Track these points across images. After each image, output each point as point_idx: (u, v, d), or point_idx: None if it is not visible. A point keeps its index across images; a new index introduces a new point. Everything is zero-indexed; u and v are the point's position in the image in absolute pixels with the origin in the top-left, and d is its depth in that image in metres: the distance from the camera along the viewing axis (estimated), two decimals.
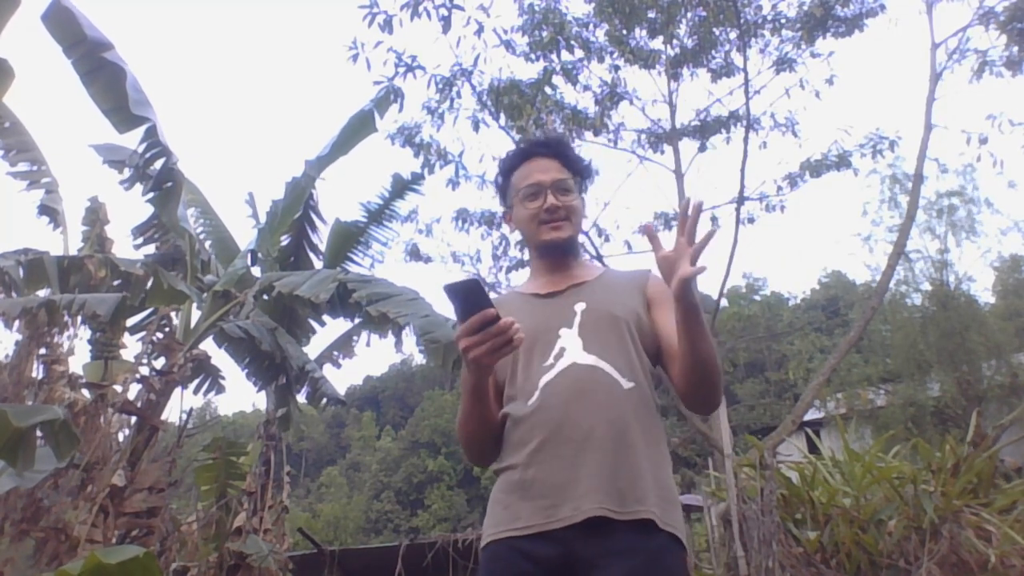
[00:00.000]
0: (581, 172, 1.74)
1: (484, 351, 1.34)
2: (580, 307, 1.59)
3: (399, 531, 29.16)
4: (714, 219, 10.18)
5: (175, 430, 5.21)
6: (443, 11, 7.29)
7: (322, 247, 7.00)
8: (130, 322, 5.82)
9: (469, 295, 1.34)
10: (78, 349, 6.00)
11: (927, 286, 14.46)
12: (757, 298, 28.85)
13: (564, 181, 1.66)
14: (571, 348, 1.53)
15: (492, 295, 1.68)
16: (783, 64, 9.53)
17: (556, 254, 1.68)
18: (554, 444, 1.44)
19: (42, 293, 5.23)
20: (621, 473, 1.41)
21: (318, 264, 6.93)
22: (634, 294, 1.65)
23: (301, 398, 6.54)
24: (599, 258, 9.39)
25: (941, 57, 8.97)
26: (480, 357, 1.35)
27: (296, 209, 6.20)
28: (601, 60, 9.76)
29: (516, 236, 9.56)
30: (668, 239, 1.46)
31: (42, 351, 5.55)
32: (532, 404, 1.50)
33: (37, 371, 5.51)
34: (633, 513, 1.38)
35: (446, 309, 5.41)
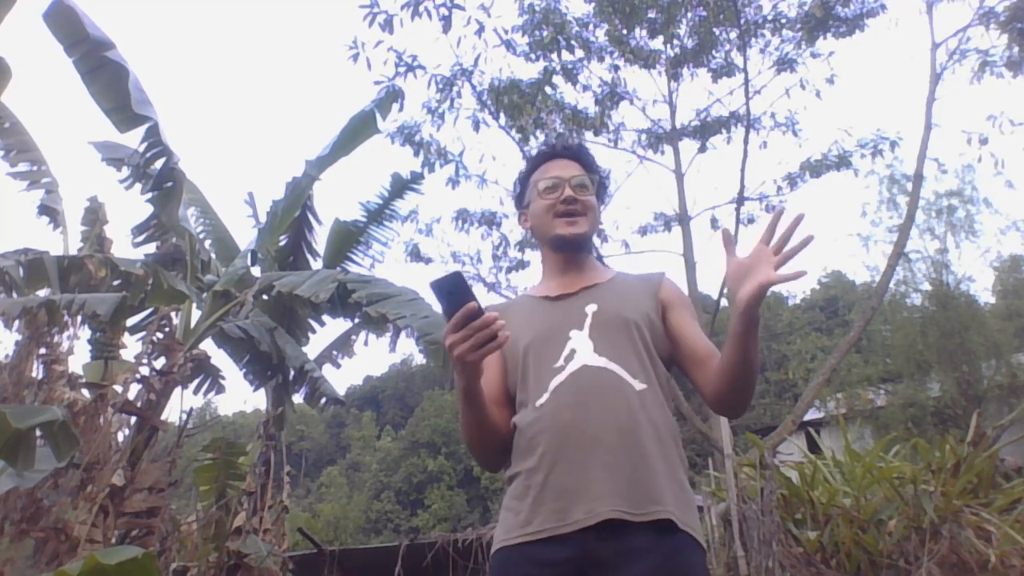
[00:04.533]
0: (599, 175, 1.75)
1: (467, 347, 1.30)
2: (591, 309, 1.58)
3: (399, 531, 29.13)
4: (714, 220, 10.21)
5: (175, 430, 5.20)
6: (443, 11, 7.31)
7: (318, 247, 7.00)
8: (130, 322, 5.81)
9: (453, 290, 1.31)
10: (78, 349, 6.01)
11: (927, 286, 14.47)
12: None
13: (583, 178, 1.68)
14: (582, 350, 1.52)
15: (498, 300, 1.69)
16: (783, 64, 9.54)
17: (569, 249, 1.67)
18: (565, 447, 1.43)
19: (42, 293, 5.22)
20: (634, 475, 1.39)
21: (316, 264, 6.92)
22: (646, 297, 1.64)
23: (299, 398, 6.54)
24: (599, 258, 9.38)
25: (941, 57, 8.97)
26: (464, 354, 1.31)
27: (296, 209, 6.20)
28: (601, 60, 9.77)
29: (517, 236, 9.58)
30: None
31: (42, 351, 5.55)
32: (542, 405, 1.48)
33: (37, 371, 5.51)
34: (650, 514, 1.37)
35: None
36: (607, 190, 1.87)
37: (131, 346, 5.89)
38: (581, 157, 1.74)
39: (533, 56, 9.19)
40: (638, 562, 1.33)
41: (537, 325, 1.58)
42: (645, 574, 1.32)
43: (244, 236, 8.88)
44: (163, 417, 4.85)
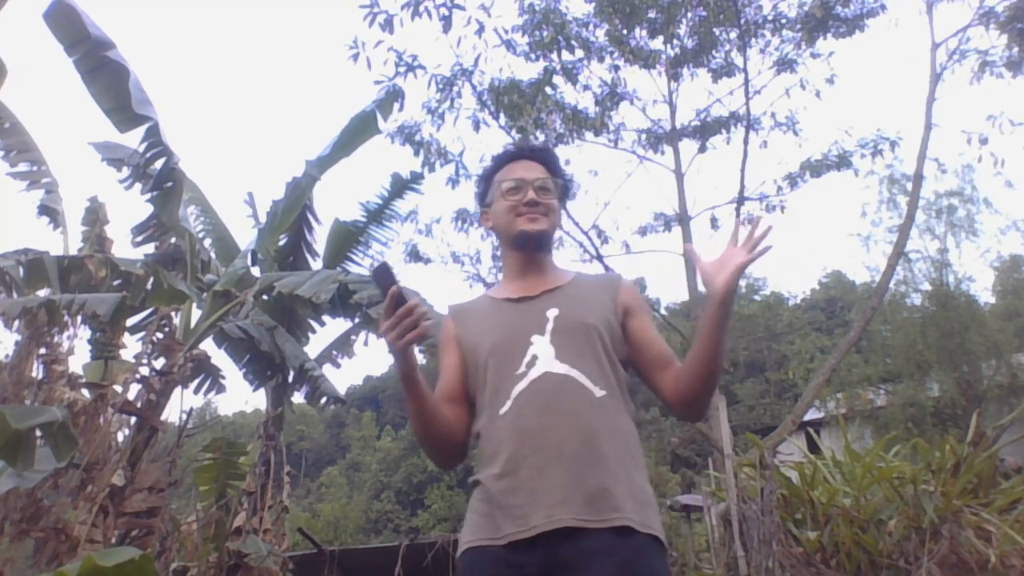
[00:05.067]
0: (563, 180, 1.77)
1: (394, 335, 1.35)
2: (552, 313, 1.59)
3: (399, 531, 29.14)
4: (714, 219, 10.22)
5: (175, 430, 5.20)
6: (444, 11, 7.29)
7: (318, 247, 7.00)
8: (130, 322, 5.81)
9: (383, 279, 1.37)
10: (78, 349, 6.00)
11: (927, 286, 14.46)
12: (757, 298, 28.81)
13: (546, 181, 1.69)
14: (543, 356, 1.53)
15: (463, 300, 1.71)
16: (783, 64, 9.54)
17: (530, 247, 1.68)
18: (528, 454, 1.45)
19: (42, 293, 5.22)
20: (594, 483, 1.42)
21: (315, 264, 6.92)
22: (606, 300, 1.66)
23: (300, 397, 6.54)
24: (599, 258, 9.38)
25: (941, 57, 8.97)
26: (392, 341, 1.36)
27: (296, 209, 6.20)
28: (601, 60, 9.77)
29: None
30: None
31: (42, 351, 5.55)
32: (505, 413, 1.50)
33: (37, 371, 5.51)
34: (609, 521, 1.40)
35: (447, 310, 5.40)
36: (569, 194, 1.89)
37: (131, 346, 5.90)
38: (546, 160, 1.75)
39: (533, 56, 9.19)
40: (602, 564, 1.36)
41: (499, 329, 1.60)
42: (609, 575, 1.35)
43: (244, 236, 8.88)
44: (163, 417, 4.86)
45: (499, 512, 1.44)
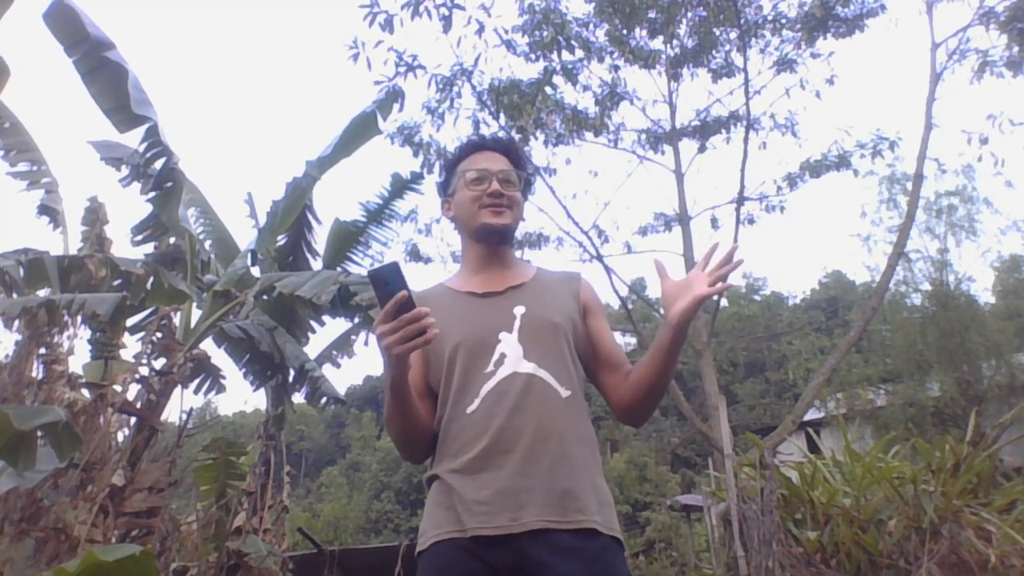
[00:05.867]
0: (526, 172, 1.76)
1: (395, 339, 1.31)
2: (519, 311, 1.58)
3: (399, 531, 29.14)
4: (714, 219, 10.22)
5: (175, 430, 5.20)
6: (444, 11, 7.29)
7: (318, 247, 6.99)
8: (130, 322, 5.80)
9: (389, 280, 1.31)
10: (78, 349, 6.00)
11: (927, 286, 14.46)
12: (757, 298, 28.87)
13: (510, 173, 1.68)
14: (511, 355, 1.53)
15: (418, 289, 1.67)
16: (783, 64, 9.55)
17: (493, 240, 1.66)
18: (494, 453, 1.45)
19: (42, 293, 5.22)
20: (561, 484, 1.43)
21: (315, 264, 6.91)
22: (569, 299, 1.66)
23: (300, 397, 6.54)
24: (599, 258, 9.38)
25: (941, 57, 8.99)
26: (391, 345, 1.32)
27: (296, 209, 6.19)
28: (601, 60, 9.78)
29: (516, 236, 9.58)
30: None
31: (42, 351, 5.55)
32: (473, 412, 1.50)
33: (37, 371, 5.51)
34: (576, 523, 1.41)
35: None
36: (532, 187, 1.90)
37: (131, 346, 5.89)
38: (510, 151, 1.74)
39: (533, 56, 9.20)
40: (569, 562, 1.37)
41: (467, 324, 1.58)
42: (575, 572, 1.37)
43: (244, 236, 8.89)
44: (163, 417, 4.85)
45: (461, 507, 1.44)
